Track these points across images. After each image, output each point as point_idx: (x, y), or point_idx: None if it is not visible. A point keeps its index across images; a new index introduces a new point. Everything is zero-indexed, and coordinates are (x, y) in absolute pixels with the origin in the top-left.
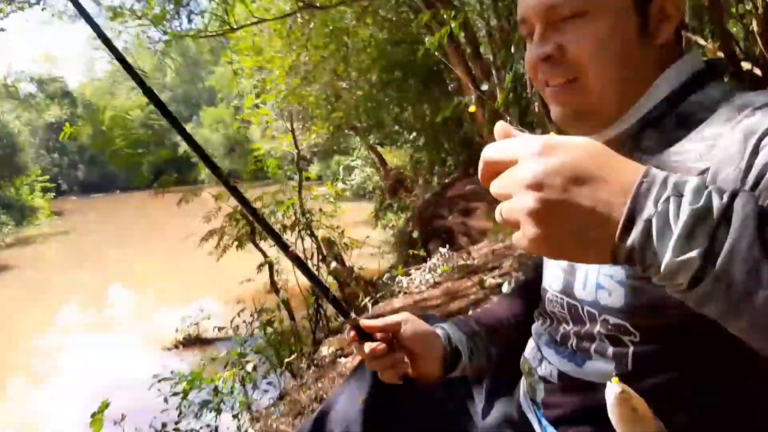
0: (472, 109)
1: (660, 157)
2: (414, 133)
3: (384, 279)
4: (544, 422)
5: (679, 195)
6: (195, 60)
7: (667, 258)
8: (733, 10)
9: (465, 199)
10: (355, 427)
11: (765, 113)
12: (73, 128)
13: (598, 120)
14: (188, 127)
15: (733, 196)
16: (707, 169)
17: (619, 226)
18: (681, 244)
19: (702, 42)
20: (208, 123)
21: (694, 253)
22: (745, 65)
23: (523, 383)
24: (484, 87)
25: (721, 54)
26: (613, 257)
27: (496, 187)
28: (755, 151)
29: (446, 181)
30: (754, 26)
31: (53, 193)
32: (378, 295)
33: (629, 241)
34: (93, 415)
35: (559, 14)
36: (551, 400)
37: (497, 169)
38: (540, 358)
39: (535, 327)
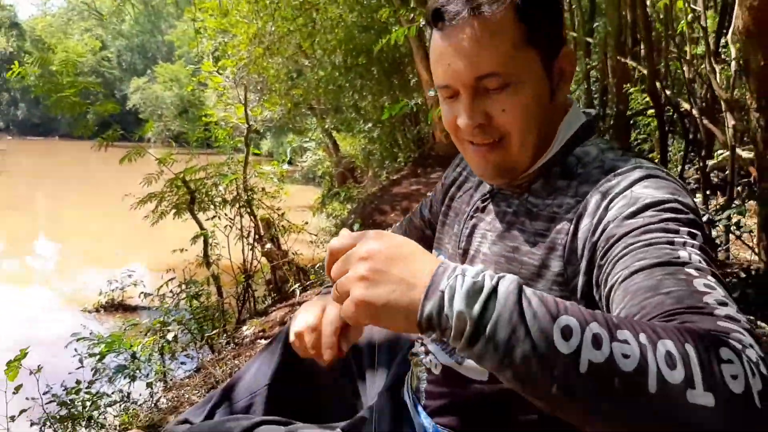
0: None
1: (543, 201)
2: (370, 124)
3: (316, 268)
4: (420, 409)
5: (464, 275)
6: (157, 10)
7: (453, 321)
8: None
9: (408, 199)
10: (260, 399)
11: (622, 178)
12: (21, 68)
13: (514, 173)
14: (141, 82)
15: (500, 278)
16: (573, 218)
17: (422, 295)
18: (462, 311)
19: (642, 70)
20: (163, 80)
21: (471, 319)
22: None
23: (409, 374)
24: (431, 93)
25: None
26: (419, 325)
27: (336, 267)
28: (606, 209)
29: (394, 177)
30: (685, 69)
31: None
32: (308, 283)
33: (428, 308)
34: (8, 363)
35: (485, 87)
36: (431, 390)
37: (339, 256)
38: (426, 351)
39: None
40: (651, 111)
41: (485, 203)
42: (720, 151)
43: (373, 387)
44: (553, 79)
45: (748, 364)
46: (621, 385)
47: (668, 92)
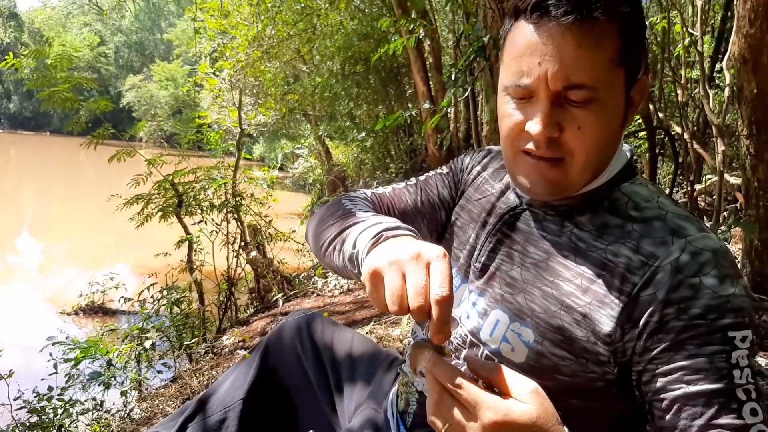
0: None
1: (593, 240)
2: (363, 133)
3: (301, 277)
4: (402, 429)
5: None
6: (157, 8)
7: None
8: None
9: None
10: (233, 414)
11: (691, 259)
12: (16, 60)
13: (563, 195)
14: (137, 79)
15: None
16: (637, 283)
17: None
18: None
19: None
20: (159, 79)
21: None
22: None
23: (394, 393)
24: (426, 105)
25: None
26: None
27: (448, 418)
28: (672, 288)
29: None
30: (677, 93)
31: None
32: (291, 293)
33: None
34: None
35: (567, 97)
36: (422, 415)
37: (454, 395)
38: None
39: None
40: (642, 133)
41: (513, 219)
42: (708, 176)
43: (351, 402)
44: (628, 105)
45: None
46: None
47: (660, 115)
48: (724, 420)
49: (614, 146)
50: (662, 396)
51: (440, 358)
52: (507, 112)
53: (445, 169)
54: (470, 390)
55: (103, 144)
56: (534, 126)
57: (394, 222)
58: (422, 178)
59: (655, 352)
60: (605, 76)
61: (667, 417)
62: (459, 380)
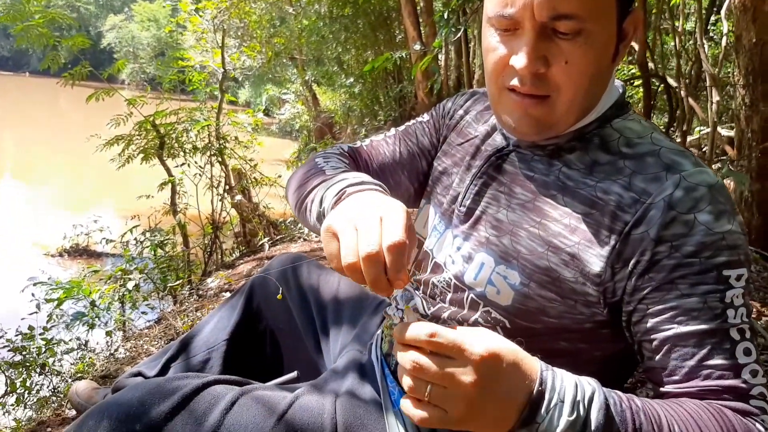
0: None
1: (582, 178)
2: (352, 79)
3: (287, 222)
4: (387, 373)
5: (562, 401)
6: None
7: None
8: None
9: None
10: (217, 354)
11: (685, 194)
12: None
13: (550, 133)
14: (117, 19)
15: (595, 413)
16: (629, 222)
17: (517, 422)
18: None
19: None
20: (140, 19)
21: None
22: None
23: (379, 335)
24: (417, 47)
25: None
26: None
27: (432, 376)
28: (665, 225)
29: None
30: (676, 42)
31: None
32: (278, 238)
33: None
34: None
35: (554, 28)
36: None
37: (432, 348)
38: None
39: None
40: (638, 81)
41: (500, 161)
42: (699, 128)
43: (336, 344)
44: (620, 38)
45: None
46: None
47: (653, 66)
48: (715, 360)
49: (605, 82)
50: (652, 336)
51: (405, 323)
52: (491, 46)
53: (426, 117)
54: (449, 332)
55: (83, 86)
56: (519, 60)
57: (360, 177)
58: (402, 128)
59: (645, 292)
60: (596, 5)
61: (657, 357)
62: (433, 330)
